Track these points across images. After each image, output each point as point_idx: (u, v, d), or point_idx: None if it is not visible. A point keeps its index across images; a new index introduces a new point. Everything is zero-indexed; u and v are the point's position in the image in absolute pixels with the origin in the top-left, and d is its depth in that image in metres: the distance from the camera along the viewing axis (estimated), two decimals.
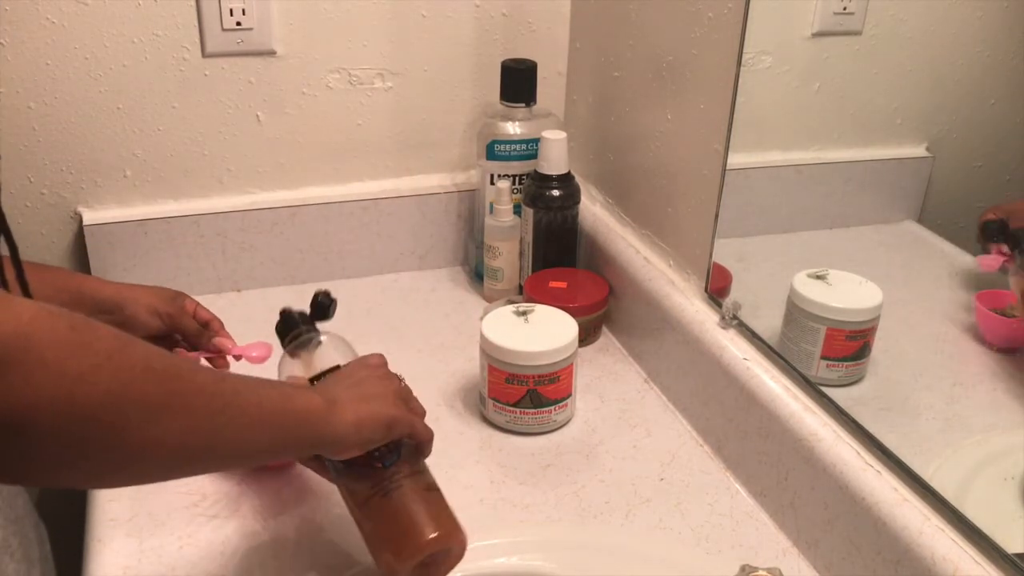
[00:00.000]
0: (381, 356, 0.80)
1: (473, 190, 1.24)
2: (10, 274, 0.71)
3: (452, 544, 0.73)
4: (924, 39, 0.85)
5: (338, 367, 0.78)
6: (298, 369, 0.80)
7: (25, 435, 0.50)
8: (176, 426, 0.57)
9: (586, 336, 1.11)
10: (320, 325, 0.83)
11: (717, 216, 0.95)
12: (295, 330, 0.81)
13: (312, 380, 0.78)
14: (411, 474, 0.74)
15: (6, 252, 0.73)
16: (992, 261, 0.83)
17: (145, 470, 0.60)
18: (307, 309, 0.83)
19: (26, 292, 0.75)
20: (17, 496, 0.80)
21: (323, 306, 0.82)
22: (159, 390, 0.56)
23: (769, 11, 0.87)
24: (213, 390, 0.60)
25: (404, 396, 0.76)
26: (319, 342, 0.81)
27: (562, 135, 1.13)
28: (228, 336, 0.96)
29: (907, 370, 0.87)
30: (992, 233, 0.79)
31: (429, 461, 0.77)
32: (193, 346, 0.94)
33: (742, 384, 0.89)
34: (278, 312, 0.82)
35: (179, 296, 0.95)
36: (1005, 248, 0.82)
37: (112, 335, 0.54)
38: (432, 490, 0.75)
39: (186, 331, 0.94)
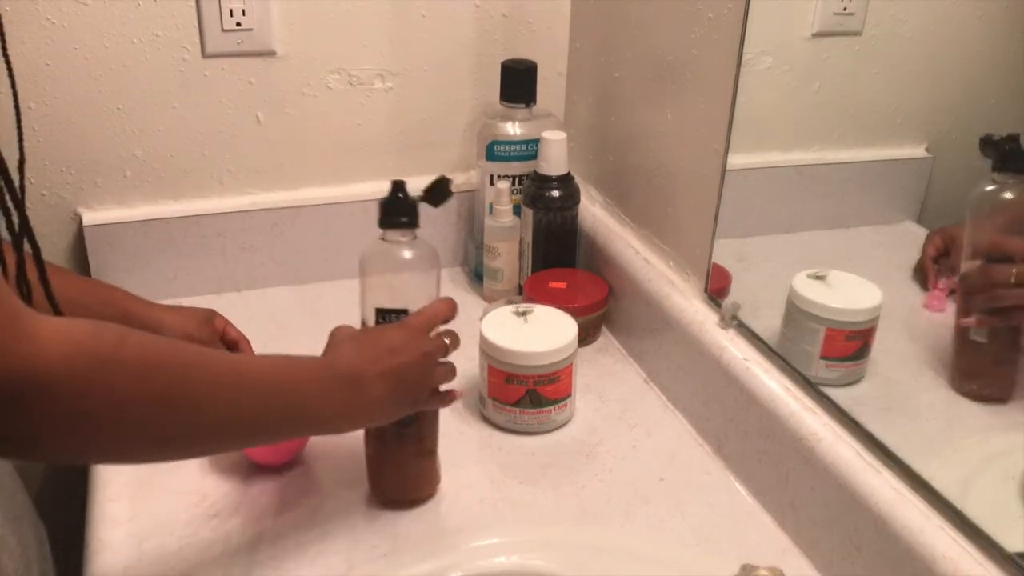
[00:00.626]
0: (449, 307, 0.79)
1: (473, 191, 1.24)
2: (32, 276, 0.72)
3: (420, 497, 0.86)
4: (924, 39, 0.85)
5: (405, 312, 0.78)
6: (378, 263, 0.79)
7: (28, 452, 0.54)
8: (180, 447, 0.61)
9: (586, 336, 1.11)
10: (424, 211, 0.80)
11: (717, 216, 0.95)
12: (392, 221, 0.78)
13: (377, 312, 0.79)
14: (415, 438, 0.83)
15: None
16: (938, 302, 0.84)
17: (143, 462, 0.66)
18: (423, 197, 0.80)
19: (48, 293, 0.76)
20: (16, 495, 0.80)
21: (439, 192, 0.78)
22: (168, 423, 0.58)
23: (769, 11, 0.87)
24: (225, 415, 0.62)
25: (433, 380, 0.79)
26: (407, 244, 0.79)
27: (562, 135, 1.13)
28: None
29: (907, 370, 0.87)
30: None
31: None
32: None
33: (742, 384, 0.89)
34: (391, 182, 0.79)
35: (211, 317, 0.96)
36: (943, 283, 0.83)
37: (135, 364, 0.55)
38: (425, 455, 0.85)
39: None
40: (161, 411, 0.58)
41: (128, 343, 0.57)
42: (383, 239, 0.79)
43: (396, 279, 0.80)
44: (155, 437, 0.58)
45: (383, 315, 0.79)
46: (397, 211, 0.78)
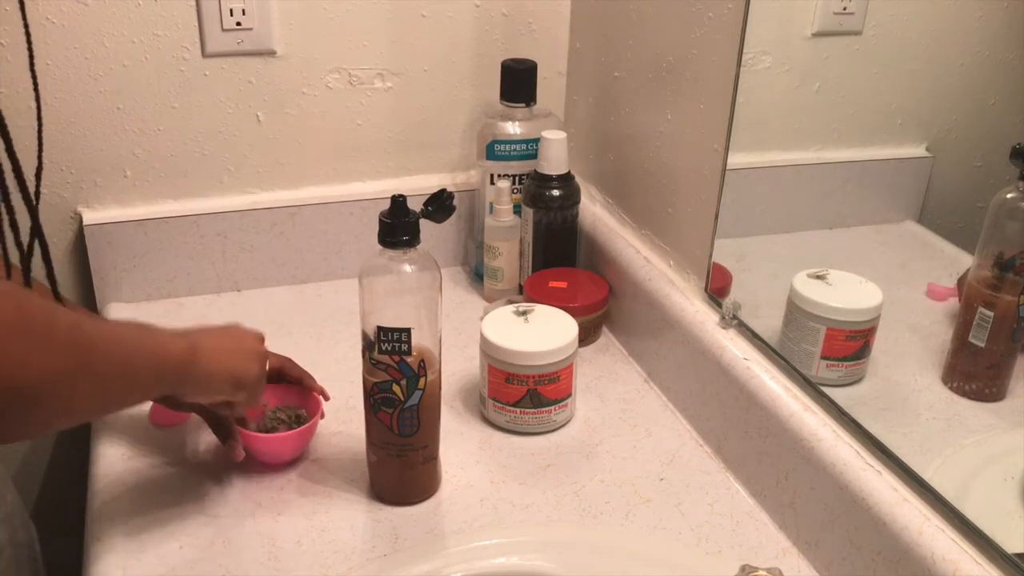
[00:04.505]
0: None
1: (473, 190, 1.24)
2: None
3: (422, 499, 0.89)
4: (924, 39, 0.85)
5: (407, 332, 0.78)
6: (379, 280, 0.79)
7: None
8: (87, 389, 0.63)
9: (586, 336, 1.11)
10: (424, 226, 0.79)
11: (717, 216, 0.95)
12: (394, 240, 0.78)
13: (379, 330, 0.78)
14: (419, 446, 0.85)
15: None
16: (940, 291, 0.86)
17: (62, 425, 0.68)
18: (429, 210, 0.79)
19: (55, 292, 0.77)
20: (6, 495, 0.80)
21: (442, 208, 0.78)
22: (76, 362, 0.61)
23: (769, 11, 0.87)
24: (111, 353, 0.66)
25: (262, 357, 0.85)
26: (407, 260, 0.79)
27: (562, 135, 1.13)
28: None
29: (907, 370, 0.87)
30: None
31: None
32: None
33: (742, 384, 0.89)
34: (390, 198, 0.77)
35: None
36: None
37: (40, 311, 0.59)
38: (428, 461, 0.87)
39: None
40: (70, 353, 0.61)
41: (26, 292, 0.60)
42: (383, 254, 0.79)
43: (397, 297, 0.80)
44: (68, 381, 0.61)
45: (385, 333, 0.79)
46: (398, 230, 0.77)
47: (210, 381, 0.78)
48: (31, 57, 0.83)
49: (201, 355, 0.76)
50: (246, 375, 0.81)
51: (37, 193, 0.79)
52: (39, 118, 0.83)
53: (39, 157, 0.82)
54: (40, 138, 0.82)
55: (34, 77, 0.85)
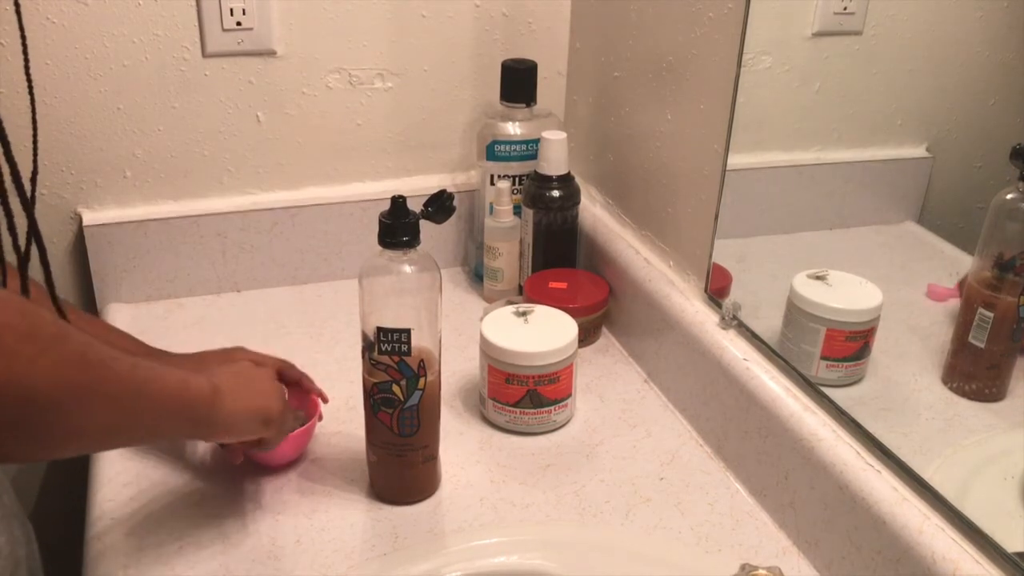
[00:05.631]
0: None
1: (473, 190, 1.24)
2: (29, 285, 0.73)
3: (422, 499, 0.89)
4: (924, 39, 0.85)
5: (407, 333, 0.78)
6: (379, 280, 0.79)
7: None
8: (100, 411, 0.62)
9: (586, 336, 1.11)
10: (424, 227, 0.79)
11: (717, 216, 0.95)
12: (394, 241, 0.78)
13: (378, 331, 0.78)
14: (419, 446, 0.85)
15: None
16: (941, 292, 0.85)
17: (71, 449, 0.66)
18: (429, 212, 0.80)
19: (53, 296, 0.77)
20: (2, 495, 0.80)
21: (441, 209, 0.79)
22: (89, 379, 0.60)
23: (769, 11, 0.87)
24: (129, 378, 0.65)
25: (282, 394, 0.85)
26: (407, 260, 0.79)
27: (562, 135, 1.13)
28: None
29: (907, 370, 0.87)
30: None
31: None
32: None
33: (742, 384, 0.89)
34: (391, 199, 0.77)
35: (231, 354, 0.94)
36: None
37: (52, 323, 0.58)
38: (428, 461, 0.87)
39: None
40: (84, 368, 0.60)
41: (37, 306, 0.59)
42: (382, 254, 0.79)
43: (397, 298, 0.80)
44: (79, 397, 0.60)
45: (385, 334, 0.79)
46: (398, 230, 0.77)
47: (235, 421, 0.77)
48: (26, 61, 0.83)
49: (223, 396, 0.75)
50: (270, 411, 0.81)
51: (33, 197, 0.79)
52: (34, 122, 0.83)
53: (35, 161, 0.82)
54: (35, 142, 0.82)
55: (29, 82, 0.84)
